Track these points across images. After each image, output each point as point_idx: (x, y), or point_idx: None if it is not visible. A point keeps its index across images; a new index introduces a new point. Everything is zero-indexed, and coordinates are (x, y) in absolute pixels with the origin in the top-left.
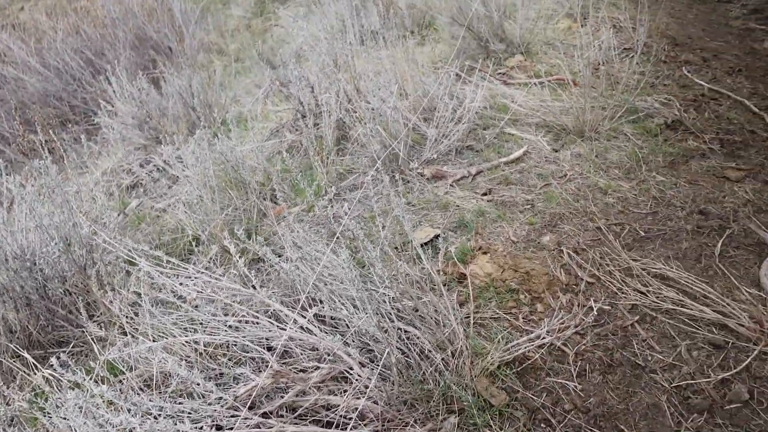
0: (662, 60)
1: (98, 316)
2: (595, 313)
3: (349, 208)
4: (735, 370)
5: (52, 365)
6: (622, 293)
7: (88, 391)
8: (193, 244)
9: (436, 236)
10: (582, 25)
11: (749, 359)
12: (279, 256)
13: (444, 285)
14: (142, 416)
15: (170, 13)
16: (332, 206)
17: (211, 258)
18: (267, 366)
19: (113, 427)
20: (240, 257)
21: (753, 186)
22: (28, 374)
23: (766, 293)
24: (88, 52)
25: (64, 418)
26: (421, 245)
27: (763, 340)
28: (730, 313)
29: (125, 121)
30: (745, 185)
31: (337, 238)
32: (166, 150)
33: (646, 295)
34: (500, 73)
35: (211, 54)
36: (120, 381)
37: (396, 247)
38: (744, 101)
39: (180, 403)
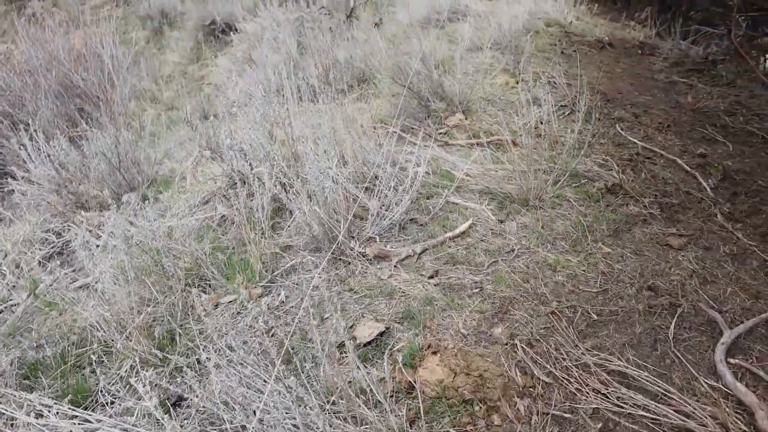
0: (597, 118)
1: None
2: (557, 425)
3: (284, 300)
4: None
5: None
6: (582, 395)
7: None
8: (112, 342)
9: (381, 333)
10: (518, 81)
11: None
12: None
13: (392, 396)
14: None
15: (99, 59)
16: (266, 296)
17: (123, 374)
18: None
19: None
20: (161, 368)
21: (695, 254)
22: None
23: (724, 383)
24: (4, 103)
25: None
26: (365, 344)
27: None
28: (692, 413)
29: (41, 186)
30: (688, 253)
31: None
32: (76, 233)
33: (607, 397)
34: (441, 133)
35: (145, 102)
36: None
37: (341, 344)
38: (676, 160)
39: None
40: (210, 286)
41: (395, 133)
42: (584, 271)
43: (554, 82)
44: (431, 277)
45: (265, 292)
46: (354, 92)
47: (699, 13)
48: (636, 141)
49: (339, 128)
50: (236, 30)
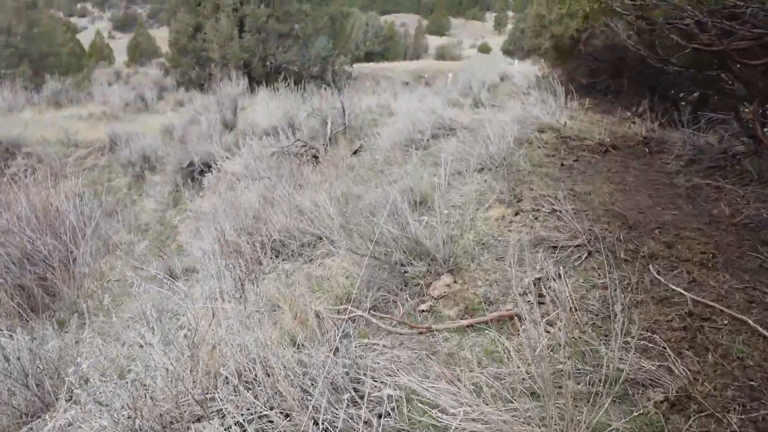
0: (623, 258)
1: None
2: None
3: None
4: None
5: None
6: None
7: None
8: None
9: None
10: (517, 213)
11: None
12: None
13: None
14: None
15: (61, 219)
16: None
17: None
18: None
19: None
20: None
21: None
22: None
23: None
24: None
25: None
26: None
27: None
28: None
29: None
30: None
31: None
32: None
33: None
34: (422, 311)
35: (116, 256)
36: None
37: None
38: (747, 321)
39: None
40: None
41: (361, 317)
42: None
43: (559, 210)
44: None
45: None
46: (318, 249)
47: (688, 95)
48: (682, 291)
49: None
50: (215, 169)
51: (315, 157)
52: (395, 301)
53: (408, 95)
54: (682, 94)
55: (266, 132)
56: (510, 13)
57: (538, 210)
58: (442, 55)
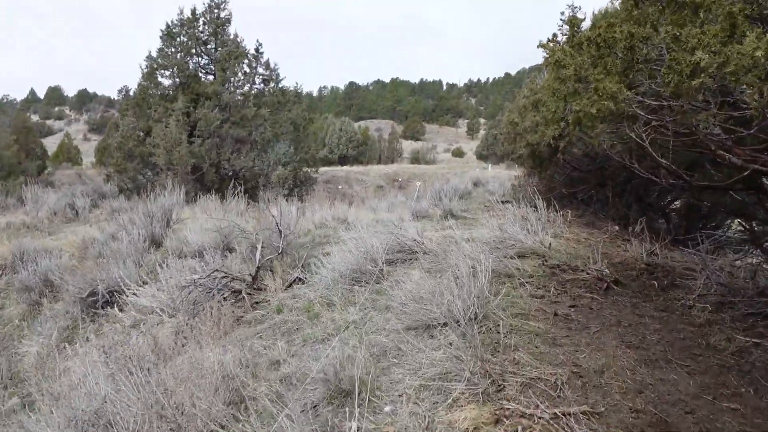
0: None
1: None
2: None
3: None
4: None
5: None
6: None
7: None
8: None
9: None
10: (498, 419)
11: None
12: None
13: None
14: None
15: None
16: None
17: None
18: None
19: None
20: None
21: None
22: None
23: None
24: None
25: None
26: None
27: None
28: None
29: None
30: None
31: None
32: None
33: None
34: None
35: None
36: None
37: None
38: None
39: None
40: None
41: None
42: None
43: (566, 417)
44: None
45: None
46: None
47: (671, 203)
48: None
49: None
50: (119, 304)
51: (237, 292)
52: None
53: (376, 202)
54: (663, 203)
55: (197, 252)
56: (482, 120)
57: (531, 415)
58: (416, 158)
